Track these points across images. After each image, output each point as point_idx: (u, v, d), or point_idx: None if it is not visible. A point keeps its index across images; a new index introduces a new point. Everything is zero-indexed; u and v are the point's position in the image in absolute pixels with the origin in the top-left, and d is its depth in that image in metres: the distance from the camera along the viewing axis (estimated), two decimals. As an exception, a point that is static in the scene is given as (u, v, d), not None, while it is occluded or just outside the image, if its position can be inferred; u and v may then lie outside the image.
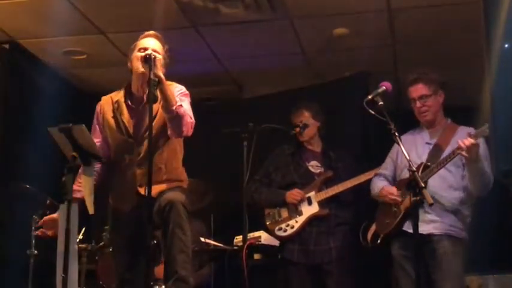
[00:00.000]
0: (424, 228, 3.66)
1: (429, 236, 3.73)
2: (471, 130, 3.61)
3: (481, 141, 3.57)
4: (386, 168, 4.13)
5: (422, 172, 3.71)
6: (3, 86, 5.50)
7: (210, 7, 4.95)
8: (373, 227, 4.08)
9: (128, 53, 3.72)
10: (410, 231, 3.67)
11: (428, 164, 3.76)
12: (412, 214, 3.33)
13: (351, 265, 4.58)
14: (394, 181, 4.04)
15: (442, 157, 3.74)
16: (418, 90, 3.89)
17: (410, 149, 3.88)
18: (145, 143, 3.40)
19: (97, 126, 3.72)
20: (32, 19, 5.13)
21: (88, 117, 3.78)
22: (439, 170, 3.69)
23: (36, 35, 5.42)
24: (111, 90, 3.90)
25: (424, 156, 3.85)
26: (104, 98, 3.77)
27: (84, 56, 5.83)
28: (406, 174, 3.80)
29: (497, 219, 3.72)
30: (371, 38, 5.42)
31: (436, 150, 3.84)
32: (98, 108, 3.75)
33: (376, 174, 4.18)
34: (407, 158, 3.37)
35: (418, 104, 3.90)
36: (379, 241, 3.98)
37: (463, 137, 3.60)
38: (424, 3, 4.92)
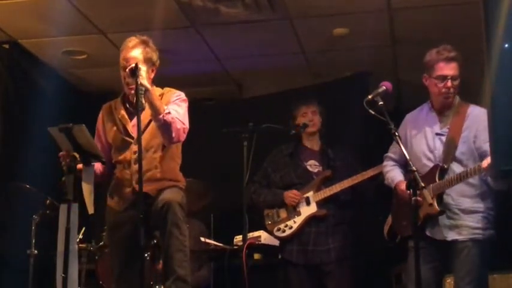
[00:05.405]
0: (447, 235, 3.60)
1: (453, 243, 3.60)
2: (482, 110, 3.52)
3: (482, 112, 3.50)
4: (395, 152, 3.90)
5: (439, 177, 3.60)
6: (3, 86, 5.50)
7: (210, 7, 4.95)
8: (389, 221, 3.92)
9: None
10: (432, 236, 3.63)
11: (445, 166, 3.63)
12: (413, 214, 3.31)
13: (350, 265, 4.58)
14: (404, 167, 3.80)
15: (456, 152, 3.63)
16: (453, 69, 3.69)
17: (420, 139, 3.77)
18: (142, 141, 3.43)
19: (100, 132, 3.81)
20: (32, 19, 5.13)
21: (88, 117, 3.81)
22: (457, 183, 3.55)
23: (36, 35, 5.42)
24: (111, 90, 3.93)
25: (437, 152, 3.69)
26: (104, 105, 3.88)
27: (84, 56, 5.83)
28: (420, 164, 3.66)
29: (497, 220, 3.70)
30: (371, 38, 5.42)
31: (449, 144, 3.67)
32: (100, 115, 3.86)
33: (385, 157, 4.02)
34: (407, 157, 3.35)
35: (449, 83, 3.67)
36: (397, 241, 3.82)
37: (474, 124, 3.59)
38: (424, 3, 4.92)
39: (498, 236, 3.67)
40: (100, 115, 3.85)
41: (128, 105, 3.76)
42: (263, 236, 5.06)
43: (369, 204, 4.83)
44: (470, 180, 3.60)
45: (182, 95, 3.76)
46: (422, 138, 3.78)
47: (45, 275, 4.41)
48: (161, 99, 3.62)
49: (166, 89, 3.78)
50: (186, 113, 3.70)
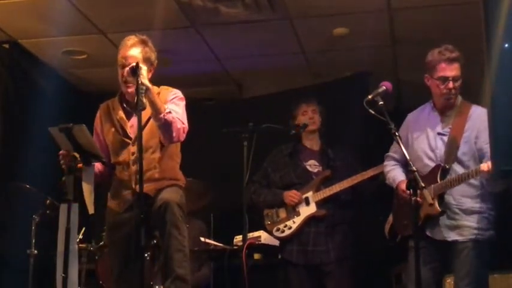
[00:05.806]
0: (448, 235, 3.60)
1: (454, 243, 3.60)
2: (484, 111, 3.48)
3: (484, 112, 3.47)
4: (396, 151, 3.88)
5: (441, 178, 3.60)
6: (3, 86, 5.50)
7: (210, 7, 4.95)
8: (390, 220, 3.91)
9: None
10: (432, 236, 3.63)
11: (447, 166, 3.63)
12: (414, 214, 3.31)
13: (350, 266, 4.58)
14: (405, 166, 3.74)
15: (458, 153, 3.63)
16: (454, 70, 3.68)
17: (421, 138, 3.76)
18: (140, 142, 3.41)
19: (98, 131, 3.78)
20: (32, 19, 5.13)
21: (88, 117, 3.80)
22: (458, 184, 3.56)
23: (36, 35, 5.42)
24: (111, 90, 3.91)
25: (438, 152, 3.69)
26: (101, 105, 3.84)
27: (84, 56, 5.83)
28: (422, 164, 3.67)
29: (497, 220, 3.70)
30: (371, 38, 5.42)
31: (451, 144, 3.67)
32: (97, 114, 3.82)
33: (386, 157, 4.01)
34: (408, 158, 3.35)
35: (451, 84, 3.66)
36: (397, 240, 3.82)
37: (476, 124, 3.59)
38: (424, 3, 4.92)
39: (498, 236, 3.67)
40: (98, 115, 3.82)
41: (125, 105, 3.73)
42: (263, 236, 5.06)
43: (368, 204, 4.83)
44: (472, 180, 3.60)
45: (179, 93, 3.73)
46: (424, 138, 3.77)
47: (45, 275, 4.41)
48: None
49: (163, 87, 3.74)
50: (185, 112, 3.68)
